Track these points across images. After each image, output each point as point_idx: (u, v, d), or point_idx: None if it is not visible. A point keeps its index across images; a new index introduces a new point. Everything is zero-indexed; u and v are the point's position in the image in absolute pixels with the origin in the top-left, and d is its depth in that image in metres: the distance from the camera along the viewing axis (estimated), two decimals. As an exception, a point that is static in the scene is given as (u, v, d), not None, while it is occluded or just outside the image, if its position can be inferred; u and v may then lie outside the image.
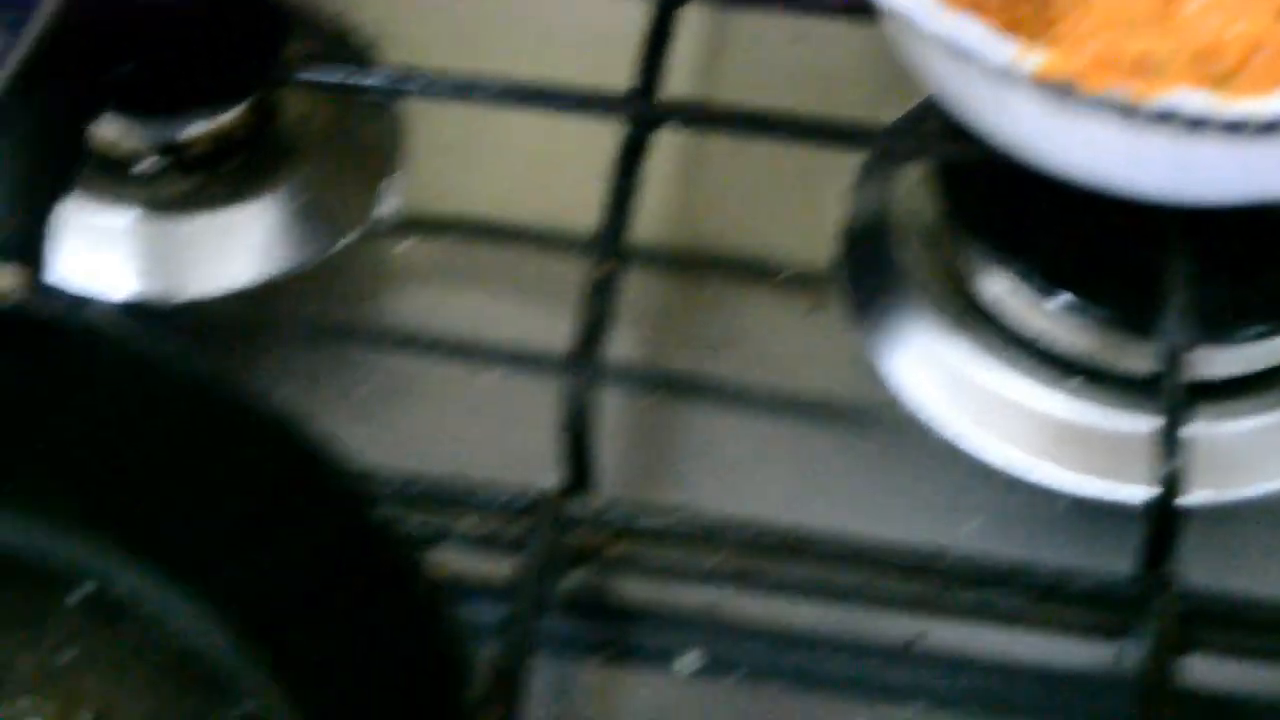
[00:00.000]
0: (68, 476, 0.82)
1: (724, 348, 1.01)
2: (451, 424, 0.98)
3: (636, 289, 0.98)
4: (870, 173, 1.06)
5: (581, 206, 1.01)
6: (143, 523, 0.81)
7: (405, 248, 1.06)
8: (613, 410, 0.94)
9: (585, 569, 0.89)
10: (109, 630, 0.82)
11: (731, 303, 1.02)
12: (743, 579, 0.88)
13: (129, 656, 0.81)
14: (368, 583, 0.74)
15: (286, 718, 0.78)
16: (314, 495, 0.75)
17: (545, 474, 0.90)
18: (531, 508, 0.87)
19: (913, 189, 1.04)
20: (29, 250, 0.80)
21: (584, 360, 0.90)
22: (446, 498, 0.88)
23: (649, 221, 1.01)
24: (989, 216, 0.99)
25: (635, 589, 0.91)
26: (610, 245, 0.94)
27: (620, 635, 0.89)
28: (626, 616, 0.90)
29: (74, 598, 0.83)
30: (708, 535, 0.88)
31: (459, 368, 1.00)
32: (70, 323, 0.79)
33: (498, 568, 0.87)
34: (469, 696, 0.69)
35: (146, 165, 1.05)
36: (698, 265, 1.04)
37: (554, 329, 0.97)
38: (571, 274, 0.98)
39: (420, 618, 0.71)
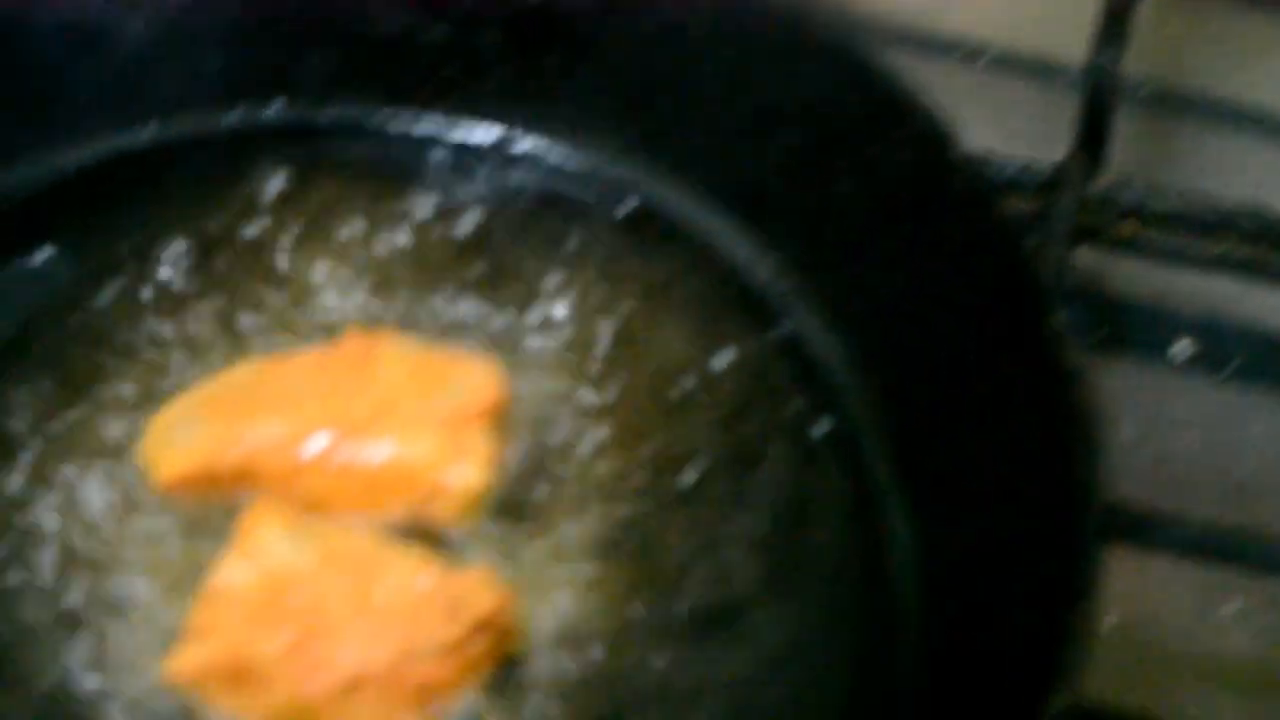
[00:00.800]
0: (624, 99, 0.83)
1: (1232, 61, 0.98)
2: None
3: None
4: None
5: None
6: (698, 146, 0.82)
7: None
8: (1122, 114, 0.92)
9: (1089, 250, 0.89)
10: (653, 249, 0.84)
11: (1236, 17, 1.00)
12: (1249, 269, 0.87)
13: (672, 276, 0.83)
14: (936, 215, 0.74)
15: (826, 342, 0.79)
16: (882, 124, 0.76)
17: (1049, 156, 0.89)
18: (1049, 182, 0.87)
19: None
20: None
21: (1110, 39, 0.88)
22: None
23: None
24: None
25: (1135, 275, 0.90)
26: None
27: (1115, 320, 0.89)
28: (1123, 303, 0.89)
29: (620, 212, 0.84)
30: (1218, 221, 0.87)
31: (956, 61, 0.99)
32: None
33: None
34: (1052, 321, 0.68)
35: None
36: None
37: (1041, 28, 0.96)
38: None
39: (993, 248, 0.71)
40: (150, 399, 0.82)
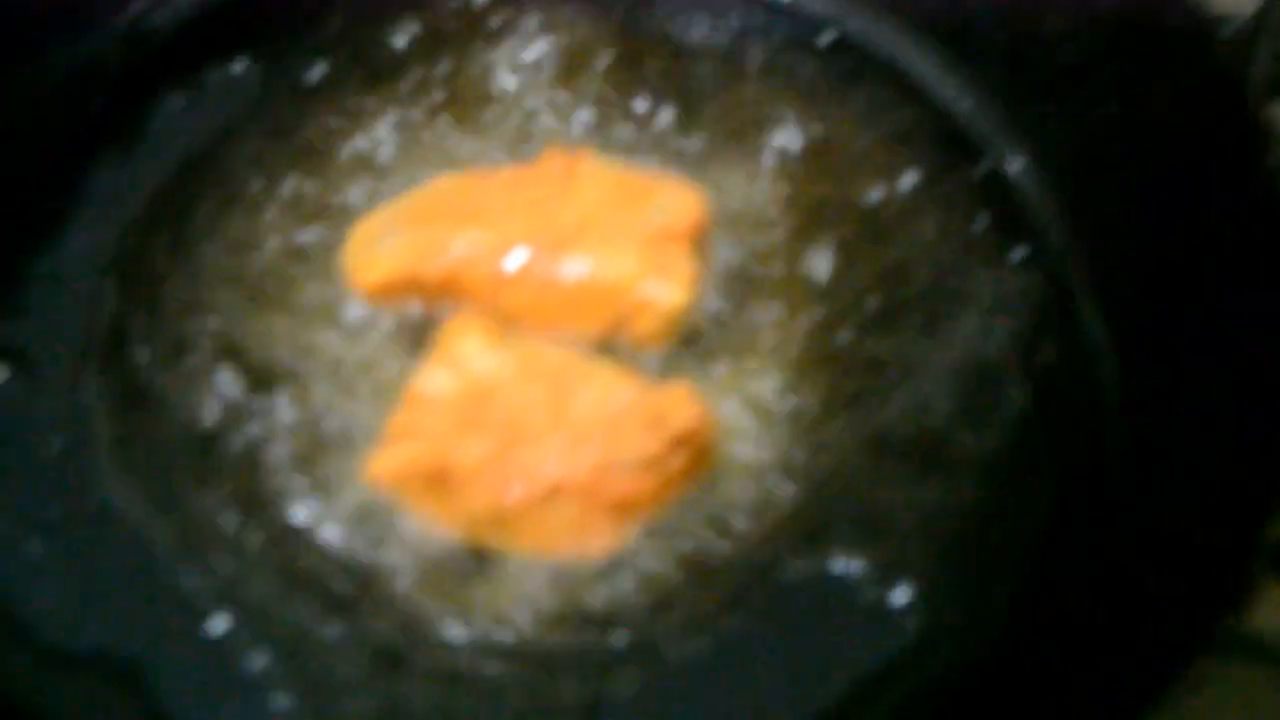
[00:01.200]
0: None
1: None
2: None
3: None
4: None
5: None
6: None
7: None
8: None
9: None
10: (853, 81, 0.84)
11: None
12: None
13: (872, 107, 0.83)
14: (1151, 52, 0.74)
15: (1027, 176, 0.80)
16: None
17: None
18: (1245, 33, 0.86)
19: None
20: None
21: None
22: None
23: None
24: None
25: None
26: None
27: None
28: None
29: (821, 43, 0.84)
30: None
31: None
32: None
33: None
34: (1272, 160, 0.68)
35: None
36: None
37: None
38: None
39: (1210, 84, 0.71)
40: (347, 206, 0.83)
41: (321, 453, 0.76)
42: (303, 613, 0.71)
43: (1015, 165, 0.81)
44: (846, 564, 0.73)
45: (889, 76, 0.84)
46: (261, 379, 0.78)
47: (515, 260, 0.79)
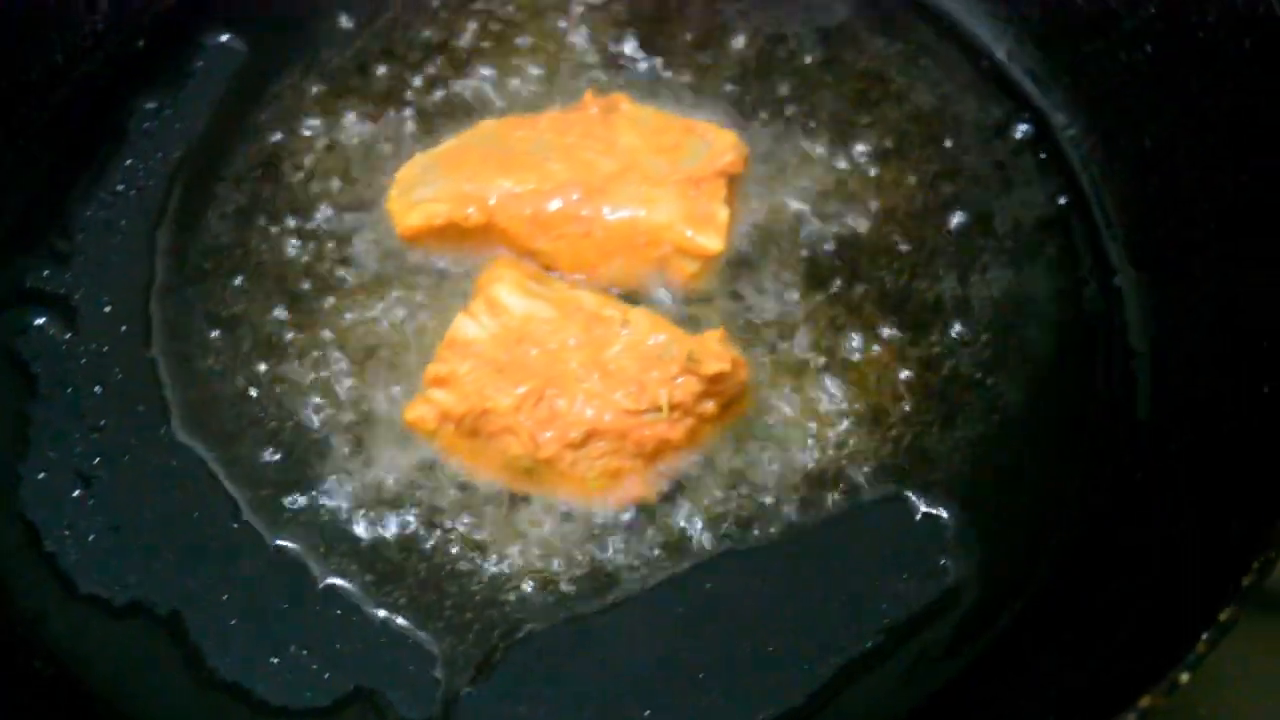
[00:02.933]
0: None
1: None
2: None
3: None
4: None
5: None
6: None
7: None
8: None
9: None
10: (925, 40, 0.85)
11: None
12: None
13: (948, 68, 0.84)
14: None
15: (1071, 129, 0.80)
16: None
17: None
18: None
19: None
20: None
21: None
22: None
23: None
24: None
25: None
26: None
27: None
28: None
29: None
30: None
31: None
32: None
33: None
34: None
35: None
36: None
37: None
38: None
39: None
40: (394, 150, 0.84)
41: (365, 401, 0.76)
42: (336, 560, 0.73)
43: (1054, 113, 0.81)
44: (884, 495, 0.74)
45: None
46: (303, 330, 0.78)
47: (553, 206, 0.79)
